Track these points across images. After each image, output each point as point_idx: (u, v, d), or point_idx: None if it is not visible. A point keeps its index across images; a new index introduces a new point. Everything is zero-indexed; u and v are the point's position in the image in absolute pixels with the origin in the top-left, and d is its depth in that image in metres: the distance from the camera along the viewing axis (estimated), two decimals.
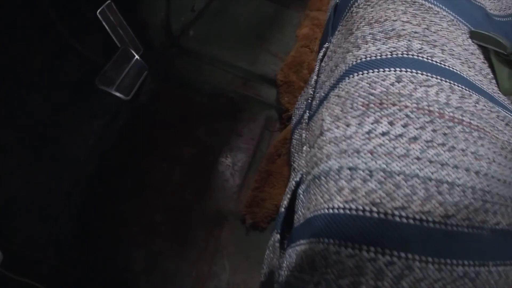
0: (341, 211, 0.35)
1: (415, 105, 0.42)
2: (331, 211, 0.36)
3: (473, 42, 0.59)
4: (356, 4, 0.61)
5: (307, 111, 0.63)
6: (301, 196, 0.47)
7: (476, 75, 0.53)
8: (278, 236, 0.48)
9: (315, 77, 0.66)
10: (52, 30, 0.71)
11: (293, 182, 0.50)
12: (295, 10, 1.08)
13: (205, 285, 0.71)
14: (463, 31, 0.59)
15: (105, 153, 0.75)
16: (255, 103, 0.91)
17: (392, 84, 0.44)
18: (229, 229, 0.75)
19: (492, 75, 0.56)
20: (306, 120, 0.61)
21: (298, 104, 0.75)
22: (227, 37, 0.98)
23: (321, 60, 0.68)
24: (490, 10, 0.93)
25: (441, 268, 0.33)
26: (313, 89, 0.65)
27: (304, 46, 0.94)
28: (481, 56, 0.57)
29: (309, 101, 0.64)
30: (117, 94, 0.73)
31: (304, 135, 0.59)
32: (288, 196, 0.49)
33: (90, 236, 0.72)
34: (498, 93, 0.55)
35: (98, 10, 0.69)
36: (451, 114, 0.42)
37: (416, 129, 0.40)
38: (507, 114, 0.50)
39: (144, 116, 0.82)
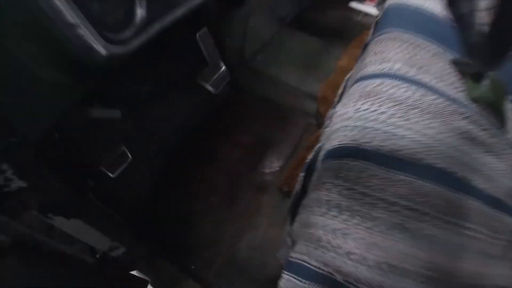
0: (342, 144, 0.63)
1: (388, 96, 0.68)
2: (337, 145, 0.63)
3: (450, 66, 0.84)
4: (370, 43, 0.89)
5: (333, 110, 0.90)
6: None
7: (445, 86, 0.77)
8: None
9: (341, 90, 0.94)
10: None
11: (310, 156, 0.76)
12: (337, 46, 1.40)
13: (245, 234, 0.97)
14: (447, 58, 0.84)
15: (187, 132, 1.06)
16: (300, 112, 1.20)
17: (376, 86, 0.71)
18: (270, 195, 1.03)
19: (462, 88, 0.80)
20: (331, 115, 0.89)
21: (331, 109, 1.03)
22: (284, 63, 1.31)
23: (347, 80, 0.96)
24: None
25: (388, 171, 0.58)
26: (339, 97, 0.92)
27: (340, 74, 1.23)
28: (453, 74, 0.82)
29: (336, 104, 0.92)
30: (210, 88, 1.05)
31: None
32: (303, 174, 0.75)
33: (165, 187, 1.02)
34: (466, 100, 0.78)
35: (197, 34, 1.02)
36: (412, 102, 0.68)
37: (386, 108, 0.66)
38: (465, 111, 0.73)
39: (220, 109, 1.14)
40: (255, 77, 1.27)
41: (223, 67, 1.06)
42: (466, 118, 0.72)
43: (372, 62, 0.79)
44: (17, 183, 0.49)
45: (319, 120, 1.14)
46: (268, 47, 1.35)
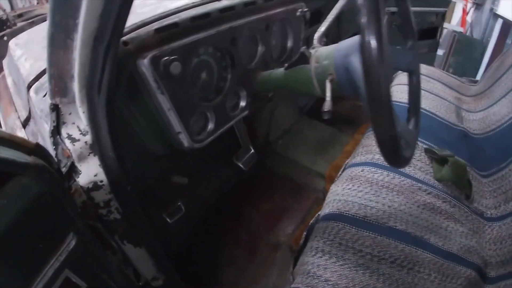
0: (331, 212, 0.91)
1: (365, 179, 0.97)
2: (328, 213, 0.92)
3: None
4: (363, 137, 1.19)
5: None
6: None
7: (414, 170, 1.04)
8: None
9: (341, 172, 1.23)
10: None
11: (312, 221, 1.03)
12: (345, 133, 1.72)
13: (260, 281, 1.20)
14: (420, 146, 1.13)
15: (221, 195, 1.35)
16: (311, 187, 1.48)
17: (359, 172, 1.00)
18: (282, 252, 1.27)
19: (430, 170, 1.07)
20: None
21: None
22: (300, 147, 1.63)
23: (345, 164, 1.25)
24: (474, 130, 1.43)
25: (358, 230, 0.85)
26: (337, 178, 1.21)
27: (345, 157, 1.52)
28: (426, 160, 1.10)
29: None
30: (241, 165, 1.33)
31: None
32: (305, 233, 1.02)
33: (200, 237, 1.29)
34: (431, 180, 1.04)
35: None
36: (383, 183, 0.96)
37: (363, 188, 0.95)
38: (428, 188, 0.99)
39: (247, 181, 1.45)
40: (276, 158, 1.59)
41: (252, 150, 1.36)
42: (428, 194, 0.99)
43: (360, 153, 1.09)
44: (115, 215, 0.71)
45: (325, 195, 1.42)
46: (288, 134, 1.69)
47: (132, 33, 0.71)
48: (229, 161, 1.34)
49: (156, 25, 0.75)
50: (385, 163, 0.99)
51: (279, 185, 1.50)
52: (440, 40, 4.06)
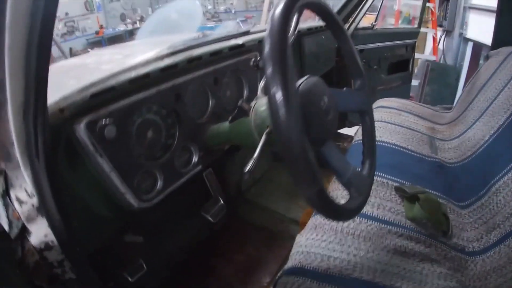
0: (293, 266, 0.85)
1: (330, 228, 0.92)
2: (290, 267, 0.85)
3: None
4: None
5: None
6: None
7: (383, 211, 0.99)
8: None
9: None
10: None
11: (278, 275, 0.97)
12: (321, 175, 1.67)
13: None
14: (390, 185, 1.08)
15: (189, 250, 1.28)
16: (286, 235, 1.41)
17: (323, 220, 0.95)
18: None
19: (402, 209, 1.01)
20: None
21: None
22: (273, 194, 1.57)
23: None
24: (449, 159, 1.38)
25: (319, 284, 0.78)
26: None
27: None
28: (397, 199, 1.04)
29: None
30: (210, 218, 1.28)
31: None
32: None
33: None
34: (403, 220, 0.99)
35: (204, 173, 1.30)
36: (348, 230, 0.90)
37: (326, 237, 0.89)
38: (399, 230, 0.94)
39: (218, 233, 1.38)
40: (249, 207, 1.54)
41: (221, 201, 1.29)
42: (399, 236, 0.93)
43: None
44: (70, 275, 0.70)
45: None
46: (260, 181, 1.65)
47: (69, 99, 0.71)
48: (197, 214, 1.29)
49: (92, 90, 0.74)
50: None
51: (253, 235, 1.43)
52: (416, 70, 4.18)
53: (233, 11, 9.76)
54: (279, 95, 0.47)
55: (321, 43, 1.79)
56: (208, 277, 1.29)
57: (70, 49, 6.93)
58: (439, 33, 4.49)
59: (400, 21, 5.24)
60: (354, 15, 2.16)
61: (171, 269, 1.21)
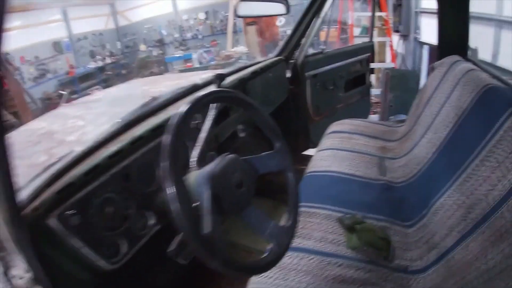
0: None
1: (279, 267, 1.01)
2: None
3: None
4: None
5: None
6: None
7: (325, 244, 1.08)
8: None
9: None
10: None
11: None
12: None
13: None
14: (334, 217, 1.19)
15: None
16: None
17: None
18: None
19: (344, 240, 1.11)
20: None
21: None
22: (241, 229, 1.65)
23: None
24: (397, 179, 1.47)
25: None
26: None
27: None
28: (340, 231, 1.14)
29: None
30: (181, 260, 1.36)
31: None
32: None
33: None
34: (343, 250, 1.09)
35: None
36: (291, 266, 0.99)
37: (273, 274, 0.98)
38: (339, 260, 1.03)
39: (191, 273, 1.46)
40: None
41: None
42: (339, 266, 1.03)
43: None
44: None
45: None
46: (227, 219, 1.74)
47: (40, 198, 0.86)
48: (170, 259, 1.38)
49: (57, 187, 0.89)
50: (295, 244, 1.04)
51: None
52: (380, 79, 4.34)
53: (200, 37, 10.03)
54: (171, 193, 0.65)
55: (269, 80, 1.90)
56: None
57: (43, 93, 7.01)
58: (396, 39, 4.68)
59: (359, 31, 5.48)
60: (302, 45, 2.28)
61: None
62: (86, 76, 9.59)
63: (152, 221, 1.07)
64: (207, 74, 1.68)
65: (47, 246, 0.87)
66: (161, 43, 10.38)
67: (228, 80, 1.57)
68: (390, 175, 1.54)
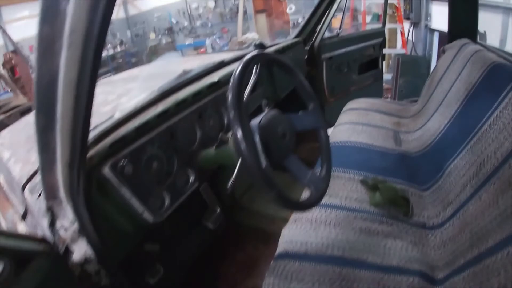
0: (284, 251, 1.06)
1: (306, 220, 1.13)
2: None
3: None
4: None
5: None
6: None
7: (350, 202, 1.20)
8: None
9: None
10: None
11: None
12: None
13: None
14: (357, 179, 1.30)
15: (196, 255, 1.49)
16: (278, 232, 1.61)
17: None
18: None
19: (367, 198, 1.23)
20: None
21: None
22: (263, 198, 1.77)
23: None
24: (412, 150, 1.59)
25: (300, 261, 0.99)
26: None
27: None
28: (362, 190, 1.26)
29: None
30: (210, 225, 1.48)
31: None
32: None
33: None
34: (367, 207, 1.20)
35: (200, 188, 1.50)
36: (321, 220, 1.11)
37: (308, 226, 1.10)
38: (363, 215, 1.15)
39: (220, 238, 1.58)
40: (244, 212, 1.74)
41: (218, 210, 1.52)
42: (364, 220, 1.14)
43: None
44: (105, 282, 0.91)
45: None
46: (252, 188, 1.86)
47: (94, 149, 0.93)
48: (200, 223, 1.50)
49: (110, 140, 0.97)
50: (323, 202, 1.15)
51: (250, 236, 1.63)
52: (390, 64, 4.41)
53: (209, 25, 10.06)
54: (239, 134, 0.72)
55: (291, 59, 2.00)
56: (215, 278, 1.50)
57: None
58: (408, 26, 4.73)
59: (370, 18, 5.52)
60: (319, 28, 2.37)
61: (182, 273, 1.41)
62: None
63: (192, 178, 1.18)
64: (229, 54, 1.78)
65: (98, 195, 0.94)
66: (170, 31, 10.46)
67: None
68: (405, 146, 1.65)
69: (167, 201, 1.09)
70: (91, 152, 0.92)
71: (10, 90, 4.83)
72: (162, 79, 1.38)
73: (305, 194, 0.88)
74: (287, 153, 0.90)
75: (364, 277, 0.96)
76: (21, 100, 4.63)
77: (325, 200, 1.17)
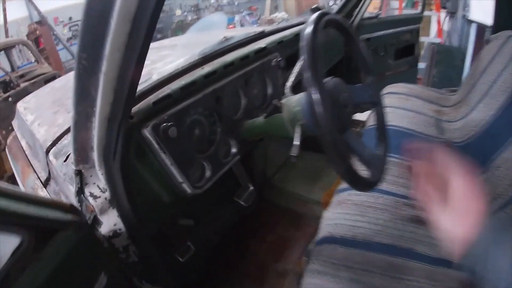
0: (323, 236, 1.00)
1: (352, 202, 1.06)
2: (321, 237, 1.01)
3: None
4: None
5: None
6: None
7: (397, 187, 1.13)
8: None
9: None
10: None
11: (310, 246, 1.12)
12: None
13: None
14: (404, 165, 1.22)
15: (229, 231, 1.45)
16: (311, 215, 1.57)
17: (346, 196, 1.10)
18: (289, 279, 1.35)
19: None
20: None
21: None
22: (296, 178, 1.73)
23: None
24: (455, 139, 1.52)
25: (346, 249, 0.93)
26: None
27: (339, 183, 1.61)
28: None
29: None
30: (242, 203, 1.43)
31: None
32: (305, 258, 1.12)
33: (210, 271, 1.38)
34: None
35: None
36: (368, 204, 1.05)
37: (350, 210, 1.04)
38: (410, 202, 1.08)
39: (249, 216, 1.54)
40: (275, 191, 1.70)
41: (251, 187, 1.44)
42: (412, 207, 1.08)
43: None
44: (133, 258, 0.84)
45: None
46: (283, 167, 1.80)
47: (135, 107, 0.84)
48: (231, 200, 1.45)
49: (153, 98, 0.88)
50: None
51: (281, 217, 1.59)
52: (422, 53, 4.25)
53: (236, 3, 9.92)
54: (316, 97, 0.64)
55: (330, 37, 1.91)
56: (244, 256, 1.46)
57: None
58: (443, 15, 4.54)
59: (404, 4, 5.33)
60: (359, 8, 2.27)
61: (212, 250, 1.37)
62: None
63: (234, 149, 1.12)
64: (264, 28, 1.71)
65: (135, 160, 0.85)
66: (196, 8, 10.34)
67: (293, 30, 1.59)
68: (447, 135, 1.57)
69: (207, 172, 1.03)
70: (133, 109, 0.83)
71: (35, 61, 4.81)
72: (199, 46, 1.30)
73: (366, 173, 0.80)
74: (346, 125, 0.82)
75: (415, 268, 0.92)
76: (46, 68, 4.62)
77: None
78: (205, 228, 1.34)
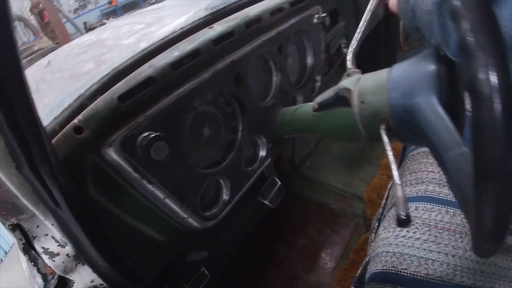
0: (384, 270, 0.74)
1: (422, 222, 0.78)
2: (380, 270, 0.75)
3: None
4: (404, 159, 1.00)
5: (377, 222, 1.00)
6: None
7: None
8: None
9: (384, 201, 1.04)
10: None
11: (358, 272, 0.86)
12: (379, 144, 1.53)
13: None
14: None
15: (249, 234, 1.19)
16: (349, 213, 1.31)
17: (413, 211, 0.80)
18: None
19: None
20: (376, 227, 0.98)
21: (376, 216, 1.12)
22: (330, 167, 1.46)
23: (389, 188, 1.07)
24: None
25: None
26: (382, 209, 1.01)
27: (384, 174, 1.34)
28: None
29: (378, 216, 1.00)
30: (268, 204, 1.16)
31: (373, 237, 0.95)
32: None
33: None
34: None
35: None
36: (442, 225, 0.77)
37: (420, 234, 0.77)
38: None
39: (274, 213, 1.29)
40: (305, 182, 1.43)
41: (279, 183, 1.09)
42: None
43: (409, 182, 0.89)
44: None
45: (367, 223, 1.25)
46: (314, 154, 1.53)
47: (87, 109, 0.49)
48: (254, 197, 1.19)
49: (120, 89, 0.51)
50: (441, 196, 0.80)
51: (312, 214, 1.33)
52: None
53: None
54: (494, 78, 0.30)
55: None
56: (270, 265, 1.23)
57: (85, 23, 6.63)
58: None
59: None
60: None
61: (231, 258, 1.12)
62: (129, 5, 9.28)
63: (263, 152, 0.79)
64: None
65: (100, 193, 0.52)
66: None
67: None
68: None
69: (225, 194, 0.71)
70: (78, 117, 0.48)
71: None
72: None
73: None
74: None
75: None
76: (45, 43, 4.35)
77: (443, 193, 0.83)
78: (222, 234, 1.08)
